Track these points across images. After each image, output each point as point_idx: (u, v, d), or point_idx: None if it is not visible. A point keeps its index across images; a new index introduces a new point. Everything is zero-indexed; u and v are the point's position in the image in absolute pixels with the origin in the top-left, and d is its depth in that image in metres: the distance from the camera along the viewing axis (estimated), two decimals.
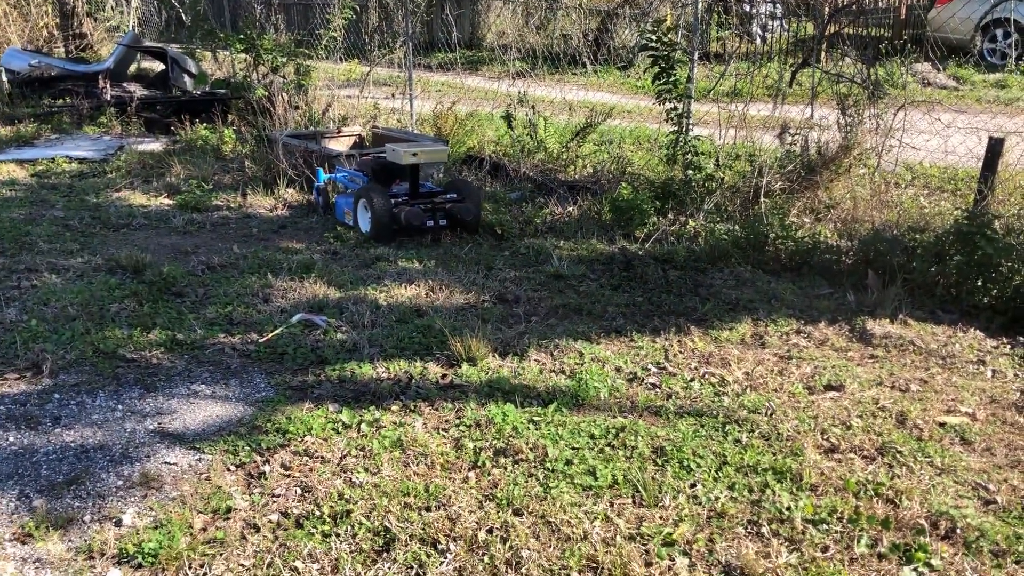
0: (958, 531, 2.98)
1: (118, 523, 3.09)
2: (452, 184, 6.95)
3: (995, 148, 5.57)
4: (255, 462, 3.48)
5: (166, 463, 3.49)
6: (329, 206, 7.34)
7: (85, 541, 2.99)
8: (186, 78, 12.65)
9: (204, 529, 3.04)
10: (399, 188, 6.85)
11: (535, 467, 3.38)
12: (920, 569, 2.81)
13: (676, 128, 7.34)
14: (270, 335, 4.68)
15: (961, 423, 3.78)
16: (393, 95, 11.35)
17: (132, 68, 14.69)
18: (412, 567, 2.80)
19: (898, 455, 3.48)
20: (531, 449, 3.49)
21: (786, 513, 3.07)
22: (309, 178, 7.97)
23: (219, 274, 5.71)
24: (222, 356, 4.47)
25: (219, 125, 10.16)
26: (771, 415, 3.82)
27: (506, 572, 2.77)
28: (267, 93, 9.65)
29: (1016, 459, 3.50)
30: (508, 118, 8.88)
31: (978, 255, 5.06)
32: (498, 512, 3.08)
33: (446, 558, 2.84)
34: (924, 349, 4.58)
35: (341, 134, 9.29)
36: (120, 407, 3.95)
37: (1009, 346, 4.65)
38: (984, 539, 2.93)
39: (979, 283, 5.14)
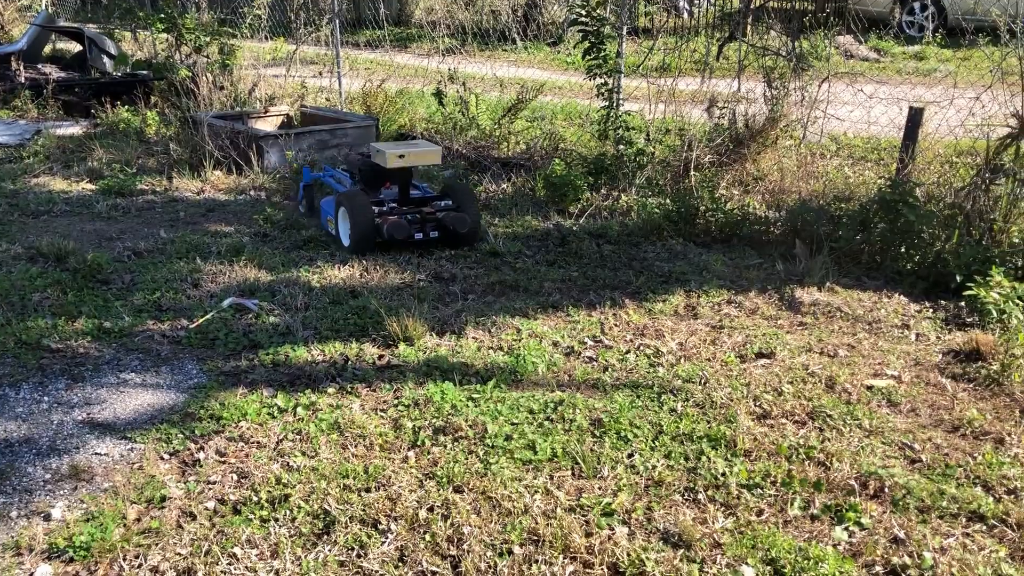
0: (886, 490, 3.08)
1: (47, 517, 3.00)
2: (447, 188, 6.13)
3: (915, 118, 5.72)
4: (189, 449, 3.41)
5: (96, 454, 3.40)
6: (314, 209, 6.54)
7: (12, 537, 2.90)
8: (105, 59, 12.25)
9: (138, 519, 2.97)
10: (388, 193, 5.99)
11: (475, 444, 3.38)
12: (851, 528, 2.89)
13: (607, 103, 7.37)
14: (200, 320, 4.58)
15: (887, 386, 3.90)
16: (321, 73, 11.16)
17: (47, 49, 14.16)
18: (353, 548, 2.79)
19: (828, 419, 3.57)
20: (470, 426, 3.49)
21: (721, 479, 3.13)
22: (236, 160, 7.82)
23: (146, 260, 5.57)
24: (151, 343, 4.37)
25: (141, 107, 9.89)
26: (705, 384, 3.88)
27: (448, 549, 2.77)
28: (191, 74, 9.41)
29: (939, 418, 3.62)
30: (439, 95, 8.82)
31: (901, 222, 5.20)
32: (438, 490, 3.07)
33: (387, 538, 2.83)
34: (851, 315, 4.70)
35: (268, 114, 9.13)
36: (46, 399, 3.84)
37: (931, 310, 4.80)
38: (910, 496, 3.03)
39: (902, 250, 5.29)
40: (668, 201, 6.46)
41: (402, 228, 5.51)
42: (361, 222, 5.52)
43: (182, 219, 6.59)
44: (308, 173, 6.65)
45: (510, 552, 2.74)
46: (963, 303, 4.75)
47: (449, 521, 2.89)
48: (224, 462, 3.32)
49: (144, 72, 11.34)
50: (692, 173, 6.75)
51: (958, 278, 4.89)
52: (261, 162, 7.80)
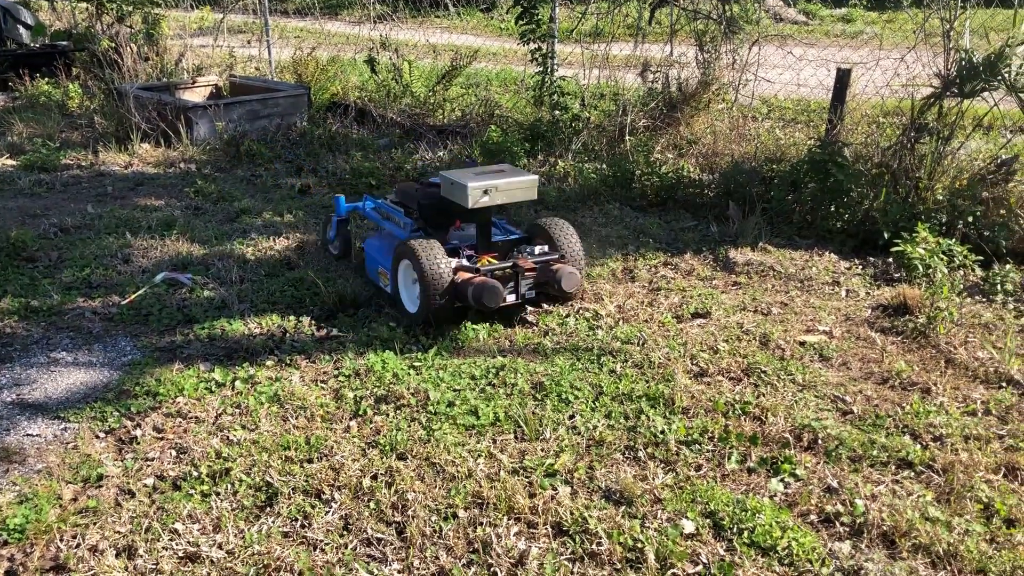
0: (819, 442, 3.17)
1: None
2: (537, 229, 4.53)
3: (843, 79, 5.81)
4: (125, 427, 3.35)
5: (28, 435, 3.32)
6: (350, 251, 5.13)
7: None
8: (21, 30, 11.79)
9: (75, 499, 2.91)
10: (460, 236, 4.54)
11: (417, 411, 3.38)
12: (786, 479, 2.97)
13: (541, 69, 7.35)
14: (133, 296, 4.48)
15: (819, 341, 4.00)
16: (249, 42, 10.94)
17: None
18: (297, 519, 2.77)
19: (763, 375, 3.65)
20: (412, 394, 3.48)
21: (661, 436, 3.19)
22: (165, 132, 7.62)
23: (73, 236, 5.42)
24: (82, 321, 4.26)
25: (63, 79, 9.58)
26: (643, 345, 3.94)
27: (393, 516, 2.78)
28: (113, 44, 9.12)
29: (869, 371, 3.73)
30: (371, 62, 8.71)
31: (830, 182, 5.31)
32: (382, 458, 3.07)
33: (331, 507, 2.82)
34: (783, 274, 4.80)
35: (197, 84, 8.91)
36: None
37: (860, 266, 4.92)
38: (843, 447, 3.12)
39: (832, 208, 5.40)
40: (604, 166, 6.50)
41: (495, 293, 3.99)
42: (436, 284, 4.03)
43: (110, 194, 6.42)
44: (342, 204, 5.13)
45: (455, 516, 2.76)
46: (891, 259, 4.88)
47: (393, 488, 2.89)
48: (162, 438, 3.26)
49: (64, 43, 10.97)
50: (627, 138, 6.79)
51: (886, 235, 5.02)
52: (190, 134, 7.63)
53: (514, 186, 4.18)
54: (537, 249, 4.38)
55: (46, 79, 9.83)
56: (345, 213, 5.11)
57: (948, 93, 5.21)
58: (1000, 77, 5.01)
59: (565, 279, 4.15)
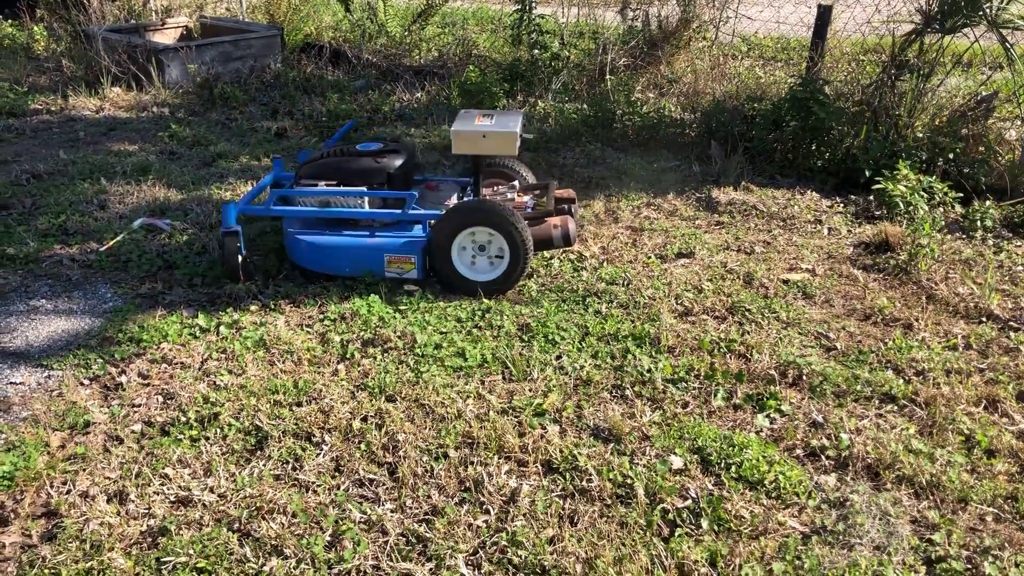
0: (804, 378, 3.20)
1: None
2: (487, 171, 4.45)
3: (824, 16, 5.77)
4: (110, 374, 3.32)
5: (12, 383, 3.29)
6: (237, 273, 3.98)
7: None
8: None
9: (62, 446, 2.90)
10: (435, 196, 4.36)
11: (404, 354, 3.38)
12: (772, 415, 3.01)
13: (519, 7, 7.23)
14: (111, 243, 4.42)
15: (803, 279, 4.02)
16: None
17: None
18: (288, 462, 2.78)
19: (747, 313, 3.68)
20: (399, 337, 3.48)
21: (647, 375, 3.21)
22: (136, 75, 7.45)
23: (47, 182, 5.31)
24: (61, 268, 4.20)
25: (27, 22, 9.29)
26: (628, 285, 3.94)
27: (384, 456, 2.79)
28: None
29: (852, 308, 3.77)
30: (345, 1, 8.52)
31: (811, 120, 5.30)
32: (371, 400, 3.08)
33: (322, 449, 2.83)
34: (766, 212, 4.81)
35: (166, 26, 8.70)
36: None
37: (842, 204, 4.94)
38: (827, 382, 3.16)
39: (813, 147, 5.39)
40: (585, 106, 6.44)
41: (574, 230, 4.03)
42: (528, 242, 3.83)
43: (82, 139, 6.29)
44: (232, 212, 3.98)
45: (445, 456, 2.77)
46: (872, 197, 4.90)
47: (383, 430, 2.90)
48: (148, 384, 3.25)
49: None
50: (608, 77, 6.72)
51: (867, 173, 5.03)
52: (162, 77, 7.46)
53: (501, 133, 3.91)
54: (508, 192, 4.28)
55: (9, 21, 9.54)
56: (234, 222, 3.97)
57: (929, 29, 5.19)
58: (981, 12, 4.99)
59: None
